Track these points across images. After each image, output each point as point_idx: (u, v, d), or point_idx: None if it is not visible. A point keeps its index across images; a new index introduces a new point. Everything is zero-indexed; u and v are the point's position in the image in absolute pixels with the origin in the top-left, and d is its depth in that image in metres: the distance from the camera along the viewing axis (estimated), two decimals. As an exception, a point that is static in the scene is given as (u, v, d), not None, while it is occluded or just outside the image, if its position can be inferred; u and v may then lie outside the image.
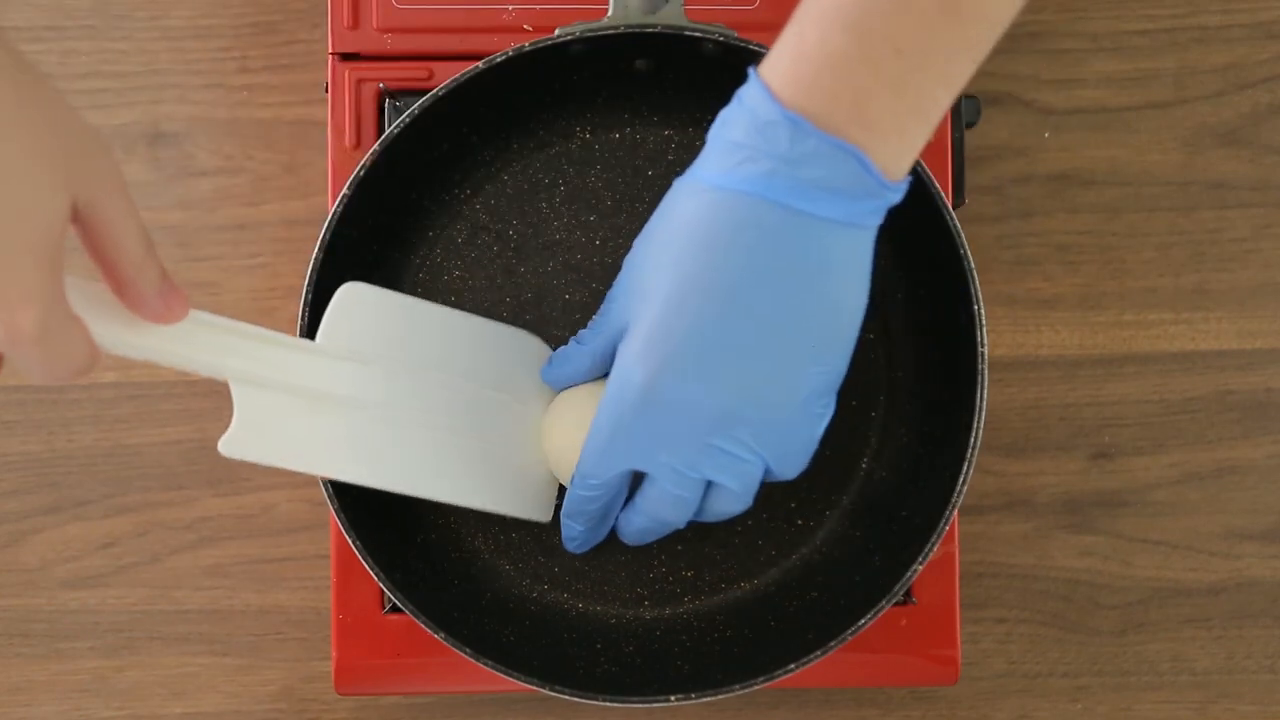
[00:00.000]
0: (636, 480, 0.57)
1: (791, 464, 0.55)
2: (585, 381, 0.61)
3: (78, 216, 0.45)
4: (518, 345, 0.63)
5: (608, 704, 0.58)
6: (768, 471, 0.55)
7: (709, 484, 0.55)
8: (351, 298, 0.57)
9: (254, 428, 0.54)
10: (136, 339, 0.50)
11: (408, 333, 0.59)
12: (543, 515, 0.63)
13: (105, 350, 0.48)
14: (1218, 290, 0.73)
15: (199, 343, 0.52)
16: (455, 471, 0.60)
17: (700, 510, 0.56)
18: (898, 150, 0.50)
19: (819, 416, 0.54)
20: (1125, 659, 0.72)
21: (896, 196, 0.51)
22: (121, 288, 0.48)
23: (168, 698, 0.71)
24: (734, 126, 0.50)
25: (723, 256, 0.51)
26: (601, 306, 0.59)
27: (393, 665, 0.64)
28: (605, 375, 0.57)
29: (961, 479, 0.59)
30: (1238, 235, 0.73)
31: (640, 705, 0.59)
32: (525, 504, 0.62)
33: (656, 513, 0.56)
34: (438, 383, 0.60)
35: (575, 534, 0.62)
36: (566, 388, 0.62)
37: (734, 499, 0.56)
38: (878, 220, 0.51)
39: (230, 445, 0.54)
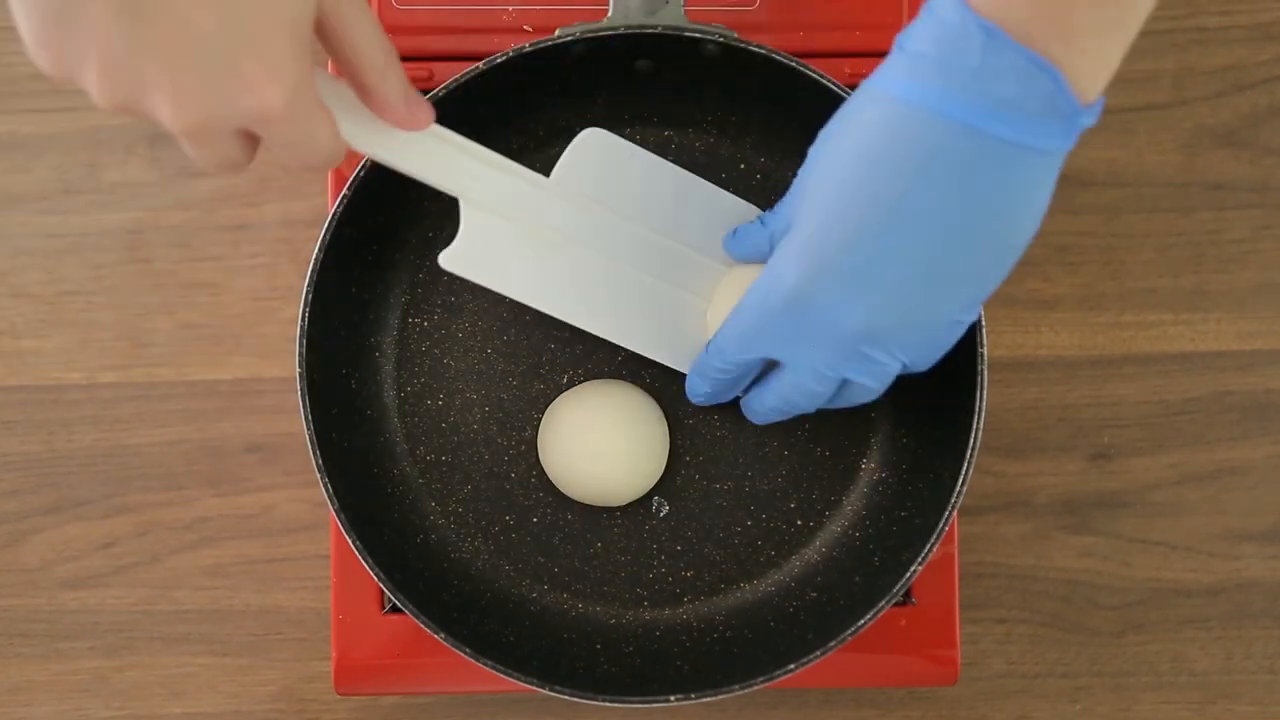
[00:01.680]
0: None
1: (926, 361, 0.54)
2: (761, 261, 0.59)
3: (320, 25, 0.46)
4: (732, 211, 0.64)
5: (607, 704, 0.58)
6: (903, 366, 0.54)
7: (844, 379, 0.55)
8: (591, 142, 0.60)
9: (474, 247, 0.58)
10: (379, 141, 0.52)
11: (634, 183, 0.61)
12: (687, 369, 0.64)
13: (350, 145, 0.50)
14: (1217, 291, 0.73)
15: (437, 157, 0.55)
16: (632, 315, 0.62)
17: (832, 400, 0.57)
18: (1094, 67, 0.46)
19: (962, 325, 0.53)
20: (1124, 659, 0.72)
21: (1090, 120, 0.47)
22: (366, 94, 0.50)
23: (168, 698, 0.71)
24: (921, 37, 0.47)
25: (893, 172, 0.48)
26: (790, 188, 0.55)
27: (393, 665, 0.64)
28: None
29: (961, 479, 0.59)
30: (1237, 236, 0.73)
31: (640, 705, 0.59)
32: (682, 359, 0.64)
33: (791, 399, 0.57)
34: (647, 233, 0.61)
35: (701, 393, 0.62)
36: (745, 263, 0.62)
37: (868, 393, 0.56)
38: (1068, 146, 0.47)
39: (451, 260, 0.58)
